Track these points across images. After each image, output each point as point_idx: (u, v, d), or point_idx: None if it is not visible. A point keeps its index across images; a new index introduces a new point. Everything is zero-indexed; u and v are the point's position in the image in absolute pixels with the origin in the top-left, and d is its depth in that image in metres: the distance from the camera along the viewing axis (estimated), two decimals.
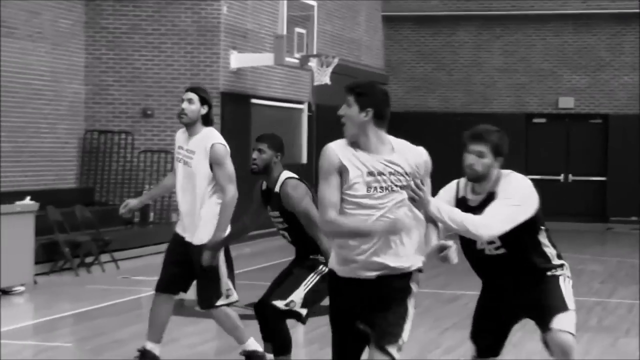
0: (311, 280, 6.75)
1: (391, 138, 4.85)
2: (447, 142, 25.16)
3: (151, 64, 17.38)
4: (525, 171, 24.13)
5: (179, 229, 7.64)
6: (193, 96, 7.49)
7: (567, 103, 24.13)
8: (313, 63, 18.30)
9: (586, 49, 24.00)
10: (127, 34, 17.39)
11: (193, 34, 17.30)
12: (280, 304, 6.72)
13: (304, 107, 20.34)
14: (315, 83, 19.08)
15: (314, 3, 18.65)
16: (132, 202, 7.94)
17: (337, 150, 4.76)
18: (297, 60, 17.74)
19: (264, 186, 6.97)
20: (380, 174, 4.74)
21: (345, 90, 4.85)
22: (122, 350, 8.64)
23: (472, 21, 24.47)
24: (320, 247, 6.62)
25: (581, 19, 23.87)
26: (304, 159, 20.36)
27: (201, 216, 7.36)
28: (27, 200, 12.37)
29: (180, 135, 7.65)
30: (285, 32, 17.20)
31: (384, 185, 4.74)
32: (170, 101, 17.32)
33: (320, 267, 6.71)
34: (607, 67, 23.92)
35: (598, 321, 10.60)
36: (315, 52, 18.22)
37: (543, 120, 24.39)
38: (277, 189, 6.82)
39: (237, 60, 17.64)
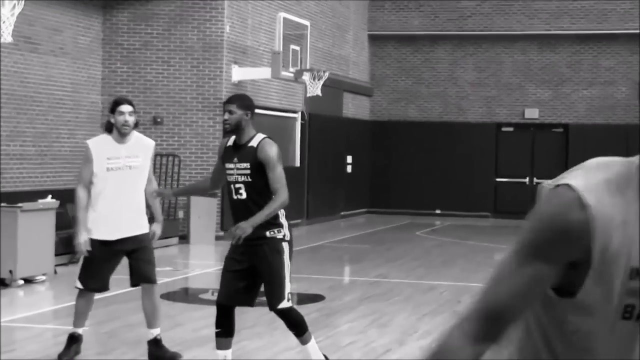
0: (286, 264, 6.46)
1: None
2: (424, 147, 25.15)
3: (161, 77, 17.31)
4: (495, 174, 24.25)
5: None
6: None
7: (532, 114, 24.11)
8: (306, 77, 18.26)
9: (549, 65, 23.97)
10: (140, 50, 17.32)
11: (199, 50, 17.23)
12: (285, 304, 6.48)
13: (298, 116, 20.28)
14: (308, 94, 19.03)
15: (307, 23, 18.60)
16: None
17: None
18: (291, 74, 17.69)
19: (231, 142, 6.63)
20: None
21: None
22: (134, 333, 8.58)
23: (448, 40, 24.42)
24: (275, 201, 6.32)
25: (545, 39, 23.85)
26: (297, 163, 20.30)
27: None
28: (49, 199, 12.30)
29: None
30: (281, 49, 17.14)
31: None
32: (178, 110, 17.25)
33: (284, 245, 6.45)
34: (568, 82, 23.89)
35: None
36: (308, 67, 18.17)
37: (511, 129, 24.36)
38: (253, 143, 6.52)
39: (238, 73, 17.58)
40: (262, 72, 17.69)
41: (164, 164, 17.19)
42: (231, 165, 6.56)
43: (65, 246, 13.29)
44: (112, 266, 7.61)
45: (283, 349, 7.98)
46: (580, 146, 23.62)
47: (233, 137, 6.64)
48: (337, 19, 22.56)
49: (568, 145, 23.84)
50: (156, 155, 17.15)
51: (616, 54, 23.56)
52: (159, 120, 17.29)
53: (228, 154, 6.62)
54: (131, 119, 7.35)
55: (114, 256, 7.56)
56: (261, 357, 7.74)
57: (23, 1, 12.68)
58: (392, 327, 9.08)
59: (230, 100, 6.81)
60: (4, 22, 12.30)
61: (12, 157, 14.47)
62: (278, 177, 6.40)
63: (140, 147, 7.46)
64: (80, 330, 7.62)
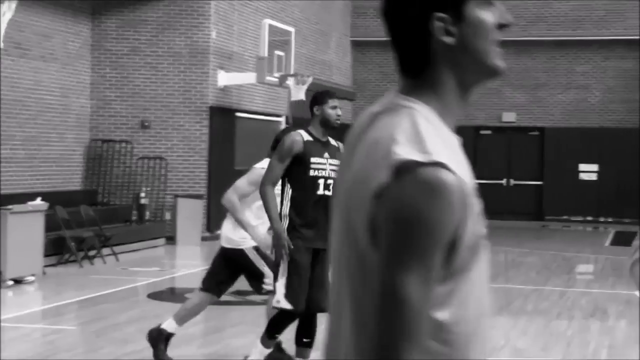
0: None
1: None
2: None
3: (149, 82, 17.27)
4: (473, 175, 24.34)
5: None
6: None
7: (509, 117, 24.19)
8: (290, 81, 18.25)
9: (526, 70, 24.06)
10: (128, 56, 17.29)
11: (186, 55, 17.22)
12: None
13: (282, 119, 20.28)
14: (292, 99, 19.03)
15: (292, 29, 18.60)
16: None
17: None
18: (276, 79, 17.69)
19: (308, 137, 6.35)
20: None
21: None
22: (121, 332, 8.57)
23: None
24: None
25: (522, 45, 23.93)
26: None
27: None
28: (38, 201, 12.26)
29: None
30: (266, 54, 17.14)
31: None
32: (165, 114, 17.22)
33: None
34: (544, 87, 23.99)
35: (534, 305, 10.60)
36: (292, 72, 18.17)
37: (489, 132, 24.44)
38: (333, 142, 6.47)
39: (224, 78, 17.56)
40: (248, 77, 17.68)
41: (151, 167, 17.16)
42: (322, 160, 6.35)
43: (54, 247, 13.27)
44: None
45: None
46: (556, 149, 23.74)
47: (305, 132, 6.39)
48: (321, 25, 22.58)
49: (544, 148, 23.93)
50: (144, 158, 17.18)
51: (590, 59, 23.66)
52: (146, 124, 17.25)
53: (316, 149, 6.35)
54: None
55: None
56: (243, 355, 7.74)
57: (14, 7, 12.64)
58: None
59: (338, 96, 6.62)
60: None
61: (2, 161, 14.41)
62: None
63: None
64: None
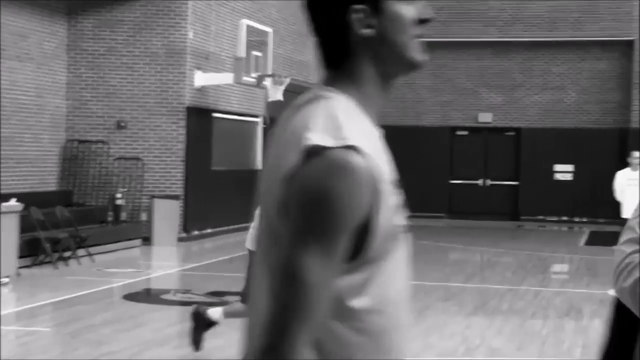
0: None
1: None
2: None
3: (125, 82, 17.21)
4: (450, 176, 24.40)
5: None
6: None
7: (486, 118, 24.28)
8: (267, 82, 18.24)
9: (503, 71, 24.16)
10: (105, 56, 17.21)
11: (162, 56, 17.16)
12: None
13: (259, 120, 20.26)
14: (269, 99, 19.01)
15: (269, 29, 18.58)
16: None
17: None
18: (253, 80, 17.67)
19: None
20: None
21: None
22: (96, 334, 8.52)
23: None
24: None
25: (499, 46, 24.04)
26: (259, 166, 20.28)
27: None
28: (13, 202, 12.18)
29: None
30: (243, 55, 17.11)
31: None
32: (141, 114, 17.16)
33: None
34: (520, 88, 24.10)
35: (509, 305, 10.65)
36: (269, 72, 18.16)
37: (465, 132, 24.52)
38: None
39: (201, 79, 17.52)
40: (225, 78, 17.65)
41: (128, 168, 17.09)
42: None
43: (29, 248, 13.18)
44: None
45: None
46: (531, 149, 23.85)
47: None
48: (299, 26, 22.57)
49: (520, 148, 24.04)
50: (120, 158, 17.11)
51: (566, 60, 23.80)
52: (122, 124, 17.18)
53: None
54: None
55: None
56: (220, 356, 7.73)
57: None
58: None
59: None
60: None
61: None
62: None
63: None
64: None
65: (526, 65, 23.99)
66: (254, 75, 17.63)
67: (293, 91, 20.55)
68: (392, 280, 1.80)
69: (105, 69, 17.18)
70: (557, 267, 15.29)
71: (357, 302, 1.75)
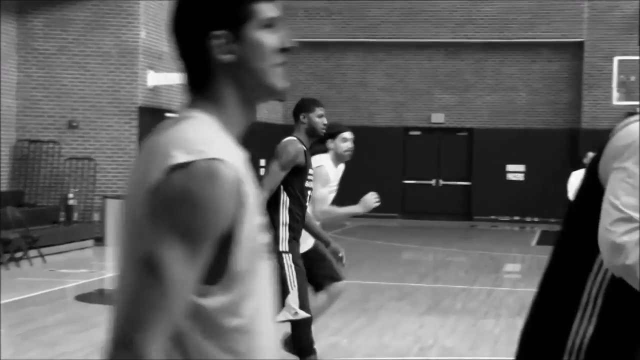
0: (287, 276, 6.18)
1: None
2: None
3: (77, 82, 17.07)
4: (403, 176, 24.52)
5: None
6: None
7: (438, 118, 24.46)
8: None
9: (455, 72, 24.36)
10: (56, 55, 17.06)
11: (115, 55, 17.05)
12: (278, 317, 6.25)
13: None
14: None
15: None
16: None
17: None
18: None
19: (305, 147, 6.33)
20: None
21: None
22: (49, 335, 8.46)
23: (358, 47, 24.63)
24: None
25: (451, 46, 24.23)
26: None
27: None
28: None
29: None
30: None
31: None
32: (93, 114, 17.04)
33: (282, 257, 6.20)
34: (472, 88, 24.31)
35: (462, 305, 10.75)
36: None
37: (418, 132, 24.67)
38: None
39: (153, 79, 17.44)
40: (178, 78, 17.56)
41: (79, 168, 16.96)
42: (311, 171, 6.36)
43: None
44: None
45: None
46: (483, 150, 24.08)
47: (300, 142, 6.30)
48: None
49: (472, 148, 24.26)
50: (72, 159, 16.97)
51: (517, 61, 24.06)
52: (74, 124, 17.04)
53: (309, 159, 6.35)
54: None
55: None
56: None
57: None
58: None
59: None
60: None
61: None
62: None
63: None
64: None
65: (478, 66, 24.21)
66: None
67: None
68: (260, 300, 1.87)
69: (57, 69, 17.03)
70: (509, 267, 15.46)
71: (227, 322, 1.80)
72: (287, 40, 1.96)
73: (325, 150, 7.19)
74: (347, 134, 7.18)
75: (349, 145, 7.11)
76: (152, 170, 1.77)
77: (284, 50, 1.95)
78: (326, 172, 7.06)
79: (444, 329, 9.16)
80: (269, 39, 1.92)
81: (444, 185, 24.41)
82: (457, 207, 24.08)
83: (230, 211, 1.76)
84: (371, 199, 6.94)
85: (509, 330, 9.12)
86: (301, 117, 6.42)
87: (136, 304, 1.72)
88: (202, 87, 1.93)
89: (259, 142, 22.97)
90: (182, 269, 1.72)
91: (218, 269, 1.78)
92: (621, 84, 21.25)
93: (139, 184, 1.80)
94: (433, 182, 24.43)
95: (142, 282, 1.73)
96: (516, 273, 14.87)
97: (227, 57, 1.89)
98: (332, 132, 7.06)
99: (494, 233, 21.38)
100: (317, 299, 7.10)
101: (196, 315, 1.79)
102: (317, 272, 6.97)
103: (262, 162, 23.29)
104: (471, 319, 9.71)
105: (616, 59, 21.49)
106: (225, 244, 1.77)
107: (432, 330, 9.03)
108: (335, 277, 7.07)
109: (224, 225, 1.76)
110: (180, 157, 1.76)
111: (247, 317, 1.83)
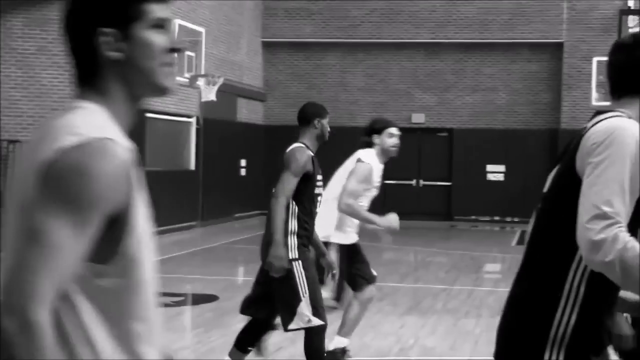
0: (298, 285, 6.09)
1: None
2: (316, 151, 25.31)
3: (56, 82, 17.01)
4: (383, 176, 24.51)
5: None
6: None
7: (418, 118, 24.52)
8: (201, 82, 18.21)
9: (435, 72, 24.43)
10: (35, 55, 16.99)
11: None
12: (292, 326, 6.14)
13: (193, 120, 20.19)
14: (203, 99, 18.97)
15: (202, 29, 18.54)
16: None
17: None
18: (187, 80, 17.62)
19: (312, 153, 6.32)
20: None
21: None
22: None
23: (338, 47, 24.66)
24: None
25: (431, 47, 24.30)
26: (192, 166, 20.21)
27: None
28: None
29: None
30: (176, 55, 17.02)
31: None
32: None
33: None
34: (452, 88, 24.39)
35: (443, 305, 10.79)
36: (203, 73, 18.12)
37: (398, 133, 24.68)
38: None
39: None
40: None
41: None
42: (319, 177, 6.30)
43: None
44: None
45: (208, 350, 8.00)
46: (464, 149, 24.17)
47: (307, 148, 6.24)
48: (232, 26, 22.55)
49: (452, 148, 24.33)
50: None
51: (497, 62, 24.16)
52: None
53: (317, 165, 6.27)
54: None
55: None
56: (186, 356, 7.70)
57: None
58: None
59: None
60: None
61: None
62: None
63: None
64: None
65: (458, 67, 24.29)
66: (187, 75, 17.58)
67: (226, 91, 20.52)
68: (148, 287, 1.93)
69: (36, 68, 16.96)
70: (489, 267, 15.53)
71: (116, 308, 1.88)
72: (175, 41, 2.02)
73: (369, 145, 6.98)
74: (394, 130, 7.01)
75: (395, 140, 6.98)
76: (43, 151, 1.83)
77: (172, 50, 2.00)
78: (370, 169, 6.96)
79: (424, 329, 9.20)
80: (158, 39, 1.98)
81: (424, 185, 24.47)
82: (437, 207, 24.15)
83: (120, 188, 1.83)
84: (396, 221, 6.88)
85: (489, 330, 9.17)
86: (315, 122, 6.33)
87: (19, 269, 1.77)
88: (90, 82, 1.98)
89: (239, 142, 22.98)
90: (66, 235, 1.77)
91: (109, 249, 1.84)
92: (600, 85, 21.39)
93: (29, 167, 1.85)
94: (413, 182, 24.49)
95: (26, 248, 1.78)
96: (496, 273, 14.94)
97: (114, 55, 1.95)
98: (379, 127, 6.93)
99: (474, 233, 21.46)
100: (350, 311, 7.10)
101: (89, 291, 1.85)
102: (354, 271, 7.04)
103: (243, 162, 23.29)
104: (452, 319, 9.75)
105: (595, 60, 21.64)
106: (116, 224, 1.83)
107: (413, 330, 9.06)
108: (369, 279, 7.15)
109: (114, 202, 1.82)
110: (72, 139, 1.82)
111: (136, 303, 1.90)
